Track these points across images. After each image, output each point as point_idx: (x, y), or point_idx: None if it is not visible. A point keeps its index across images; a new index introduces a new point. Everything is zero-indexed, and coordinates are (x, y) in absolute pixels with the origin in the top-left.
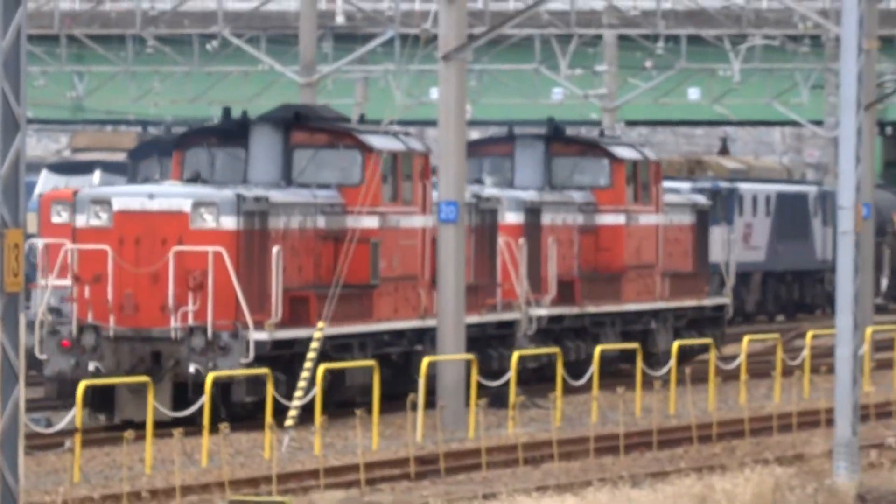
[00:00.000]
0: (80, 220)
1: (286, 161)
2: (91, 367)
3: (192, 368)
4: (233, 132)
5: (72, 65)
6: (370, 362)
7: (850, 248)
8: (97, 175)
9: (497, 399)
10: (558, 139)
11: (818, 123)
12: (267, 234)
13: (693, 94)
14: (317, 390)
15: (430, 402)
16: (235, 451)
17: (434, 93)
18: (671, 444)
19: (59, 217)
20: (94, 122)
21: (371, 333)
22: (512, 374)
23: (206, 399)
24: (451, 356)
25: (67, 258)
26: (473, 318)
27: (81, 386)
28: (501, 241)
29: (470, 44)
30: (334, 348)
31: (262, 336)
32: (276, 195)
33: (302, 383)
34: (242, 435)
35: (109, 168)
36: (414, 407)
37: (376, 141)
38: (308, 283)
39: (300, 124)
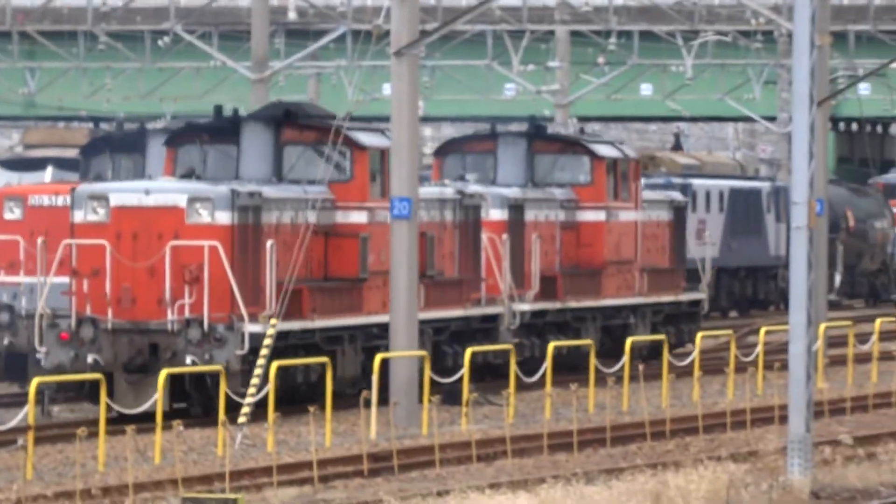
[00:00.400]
0: (78, 216)
1: (277, 158)
2: (90, 359)
3: (188, 360)
4: (224, 129)
5: (24, 61)
6: (323, 359)
7: (803, 244)
8: (49, 171)
9: (450, 396)
10: (540, 137)
11: (771, 119)
12: (260, 229)
13: (646, 89)
14: (270, 387)
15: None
16: (189, 449)
17: (386, 89)
18: (625, 440)
19: (12, 214)
20: (47, 118)
21: (360, 326)
22: (465, 371)
23: (158, 396)
24: (403, 353)
25: (68, 252)
26: (458, 312)
27: (34, 384)
28: (485, 237)
29: (422, 40)
30: (325, 340)
31: (257, 328)
32: (269, 191)
33: (255, 380)
34: (196, 432)
35: (62, 164)
36: (367, 404)
37: (365, 138)
38: (301, 277)
39: (290, 122)
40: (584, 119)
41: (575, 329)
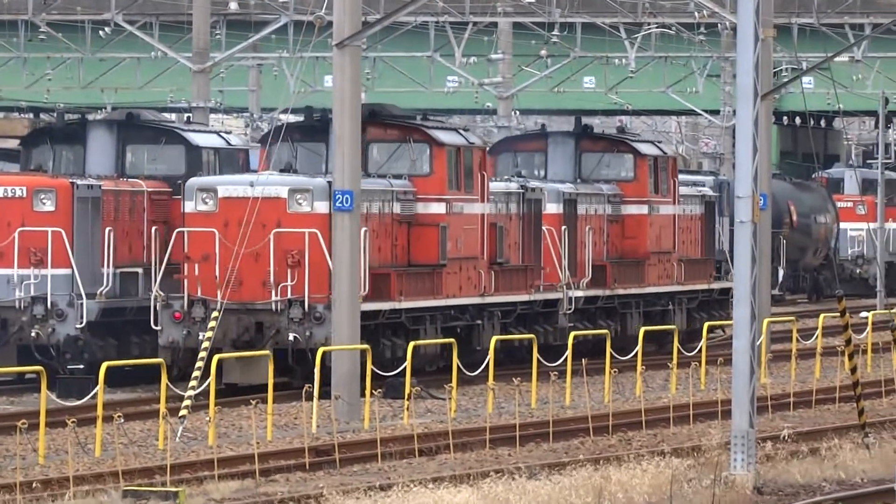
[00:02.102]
0: (189, 206)
1: (363, 154)
2: (200, 337)
3: (290, 337)
4: (314, 128)
5: None
6: (265, 352)
7: (747, 239)
8: None
9: (393, 389)
10: (587, 136)
11: (714, 113)
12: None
13: (588, 82)
14: (211, 380)
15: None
16: (129, 441)
17: (328, 80)
18: (567, 435)
19: None
20: None
21: (440, 308)
22: (407, 365)
23: (99, 390)
24: (345, 346)
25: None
26: (524, 297)
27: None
28: (544, 228)
29: (364, 31)
30: (409, 320)
31: None
32: (361, 183)
33: (196, 373)
34: (137, 424)
35: (1, 155)
36: (309, 397)
37: (443, 136)
38: (387, 262)
39: (374, 121)
40: (526, 112)
41: (621, 314)
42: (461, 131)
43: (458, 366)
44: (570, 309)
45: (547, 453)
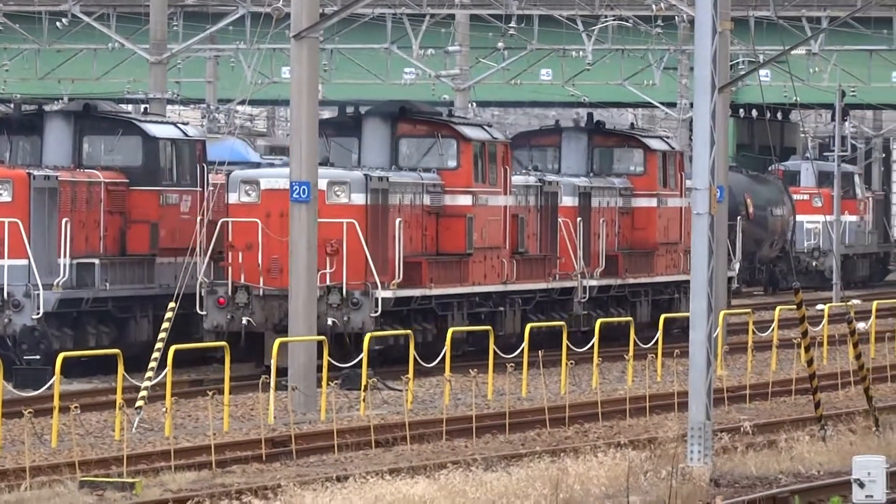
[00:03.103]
0: (233, 198)
1: (394, 148)
2: (244, 321)
3: (329, 321)
4: (347, 124)
5: None
6: (221, 343)
7: (704, 231)
8: None
9: (349, 380)
10: (599, 132)
11: (671, 105)
12: (388, 209)
13: (545, 74)
14: (167, 371)
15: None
16: (86, 432)
17: (286, 72)
18: (524, 427)
19: None
20: None
21: (466, 294)
22: (364, 356)
23: (56, 380)
24: (301, 338)
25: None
26: (542, 285)
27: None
28: (560, 220)
29: (322, 23)
30: (439, 306)
31: (388, 294)
32: (394, 176)
33: (153, 364)
34: (93, 415)
35: None
36: (265, 388)
37: (469, 131)
38: (418, 251)
39: (405, 117)
40: (483, 104)
41: (631, 303)
42: (486, 127)
43: (414, 357)
44: (584, 297)
45: (503, 445)
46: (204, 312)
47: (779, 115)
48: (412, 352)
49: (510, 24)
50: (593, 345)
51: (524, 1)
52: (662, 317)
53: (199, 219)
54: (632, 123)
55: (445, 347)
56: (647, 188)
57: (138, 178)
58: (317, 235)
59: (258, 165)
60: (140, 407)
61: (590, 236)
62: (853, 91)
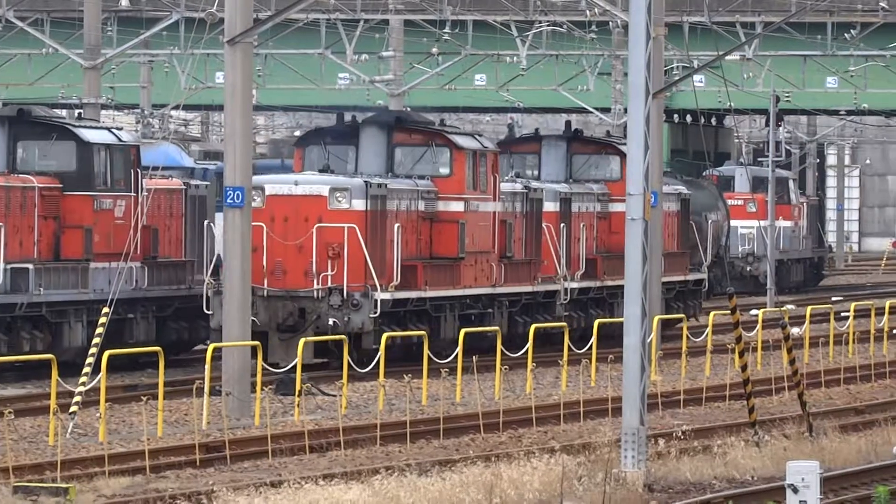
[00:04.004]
0: None
1: (389, 156)
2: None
3: (330, 321)
4: (345, 132)
5: None
6: (156, 348)
7: (638, 236)
8: None
9: (283, 386)
10: (577, 139)
11: (605, 110)
12: (386, 214)
13: (480, 80)
14: (102, 376)
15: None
16: (20, 437)
17: (220, 77)
18: (458, 432)
19: None
20: None
21: (458, 297)
22: (298, 361)
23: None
24: (235, 343)
25: None
26: (528, 288)
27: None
28: (544, 225)
29: (256, 28)
30: (433, 308)
31: (386, 296)
32: (392, 183)
33: (87, 369)
34: (27, 420)
35: None
36: (199, 393)
37: (462, 140)
38: (413, 255)
39: (400, 126)
40: (417, 109)
41: (609, 304)
42: (476, 136)
43: (348, 363)
44: (566, 299)
45: (438, 450)
46: (210, 312)
47: (713, 121)
48: (346, 357)
49: (444, 30)
50: (528, 350)
51: (458, 6)
52: (596, 322)
53: (132, 224)
54: (608, 131)
55: (380, 353)
56: (623, 194)
57: (72, 183)
58: (250, 240)
59: (192, 171)
60: (74, 412)
61: (571, 240)
62: (787, 96)
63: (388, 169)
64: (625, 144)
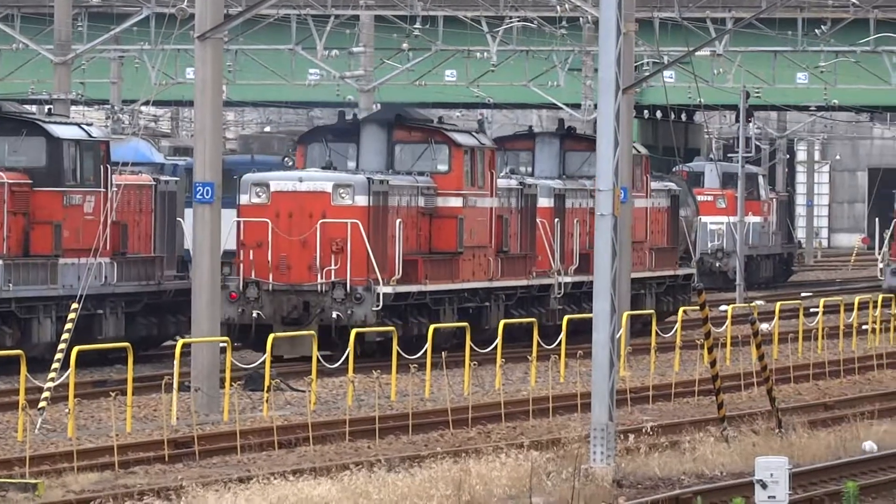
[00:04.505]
0: (244, 199)
1: (390, 153)
2: (254, 314)
3: (334, 315)
4: (346, 130)
5: None
6: (125, 344)
7: (608, 232)
8: None
9: (252, 381)
10: (570, 136)
11: (575, 106)
12: (387, 210)
13: (450, 75)
14: (70, 372)
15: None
16: None
17: (190, 73)
18: (427, 427)
19: None
20: None
21: (456, 290)
22: (267, 357)
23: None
24: (204, 339)
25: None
26: (524, 282)
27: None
28: (538, 220)
29: (226, 24)
30: (433, 301)
31: (388, 290)
32: (393, 179)
33: (55, 364)
34: None
35: None
36: (168, 389)
37: (460, 138)
38: (413, 250)
39: (400, 124)
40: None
41: None
42: (474, 133)
43: (318, 357)
44: (560, 293)
45: (406, 446)
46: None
47: (683, 117)
48: (315, 353)
49: (415, 26)
50: (497, 345)
51: (429, 2)
52: (566, 318)
53: (102, 219)
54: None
55: (349, 349)
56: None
57: (42, 178)
58: (220, 236)
59: (162, 167)
60: (43, 408)
61: (565, 236)
62: (757, 92)
63: (389, 166)
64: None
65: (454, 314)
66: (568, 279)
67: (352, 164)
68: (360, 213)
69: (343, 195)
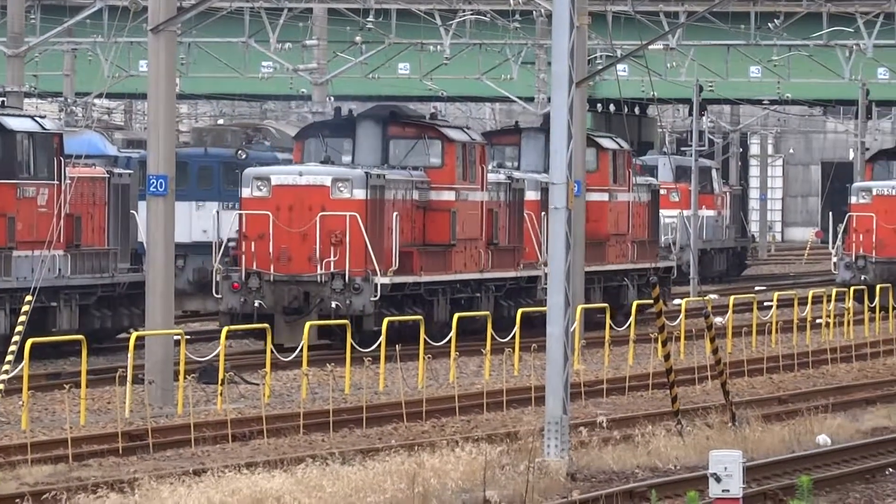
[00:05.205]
0: (246, 192)
1: (385, 148)
2: (255, 304)
3: (333, 304)
4: (342, 125)
5: None
6: (79, 336)
7: (562, 225)
8: None
9: (206, 374)
10: None
11: (528, 100)
12: (384, 203)
13: (403, 68)
14: (24, 364)
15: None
16: None
17: (143, 65)
18: (381, 420)
19: None
20: None
21: (449, 281)
22: (221, 349)
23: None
24: (158, 331)
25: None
26: (512, 273)
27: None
28: (525, 213)
29: (179, 16)
30: (427, 292)
31: (385, 280)
32: (389, 174)
33: (9, 357)
34: None
35: None
36: (122, 381)
37: (453, 133)
38: (409, 242)
39: (395, 120)
40: (341, 98)
41: (587, 289)
42: (465, 129)
43: (271, 351)
44: (546, 284)
45: (361, 439)
46: (219, 296)
47: (636, 110)
48: (269, 346)
49: (368, 18)
50: (451, 338)
51: None
52: (520, 311)
53: (56, 212)
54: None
55: (304, 342)
56: (599, 184)
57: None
58: (173, 228)
59: (115, 159)
60: None
61: None
62: (711, 86)
63: (384, 160)
64: (601, 137)
65: (447, 304)
66: None
67: (347, 159)
68: (358, 207)
69: (342, 189)
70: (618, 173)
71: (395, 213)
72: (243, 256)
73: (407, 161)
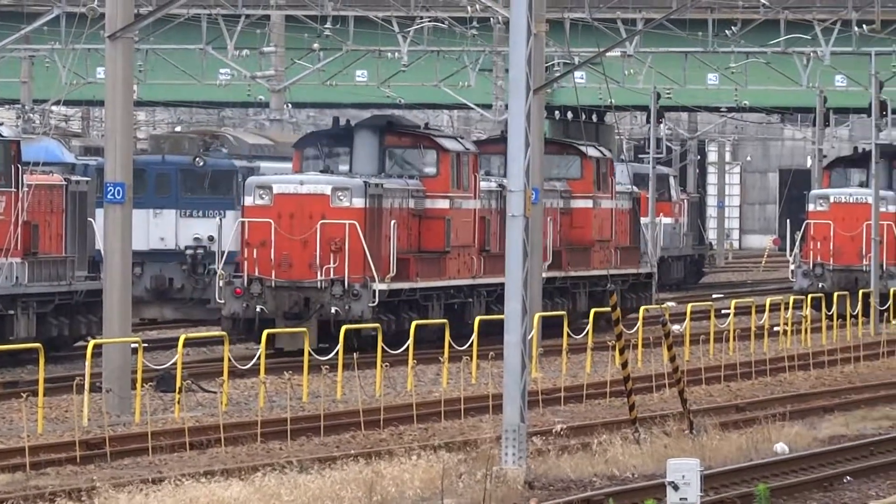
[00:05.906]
0: (248, 200)
1: (381, 158)
2: (257, 309)
3: (332, 310)
4: (339, 135)
5: None
6: (36, 344)
7: (519, 233)
8: None
9: (164, 383)
10: (543, 141)
11: (486, 107)
12: (382, 211)
13: (361, 76)
14: None
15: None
16: None
17: (101, 72)
18: (339, 429)
19: None
20: None
21: (444, 287)
22: (178, 358)
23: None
24: (116, 339)
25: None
26: (502, 279)
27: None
28: None
29: (137, 23)
30: (422, 297)
31: (383, 287)
32: (387, 182)
33: None
34: None
35: None
36: (80, 390)
37: (447, 143)
38: (405, 249)
39: (391, 130)
40: (299, 105)
41: (572, 294)
42: (459, 139)
43: (230, 358)
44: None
45: (318, 447)
46: (222, 301)
47: (594, 117)
48: (227, 353)
49: (326, 26)
50: (408, 347)
51: (340, 2)
52: (478, 319)
53: (13, 219)
54: (568, 134)
55: (261, 349)
56: (583, 191)
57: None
58: (131, 237)
59: (73, 167)
60: None
61: (540, 234)
62: (668, 93)
63: (381, 169)
64: (585, 146)
65: (441, 310)
66: (544, 275)
67: (345, 168)
68: (357, 215)
69: (341, 197)
70: (601, 181)
71: (392, 221)
72: (245, 263)
73: (403, 170)
